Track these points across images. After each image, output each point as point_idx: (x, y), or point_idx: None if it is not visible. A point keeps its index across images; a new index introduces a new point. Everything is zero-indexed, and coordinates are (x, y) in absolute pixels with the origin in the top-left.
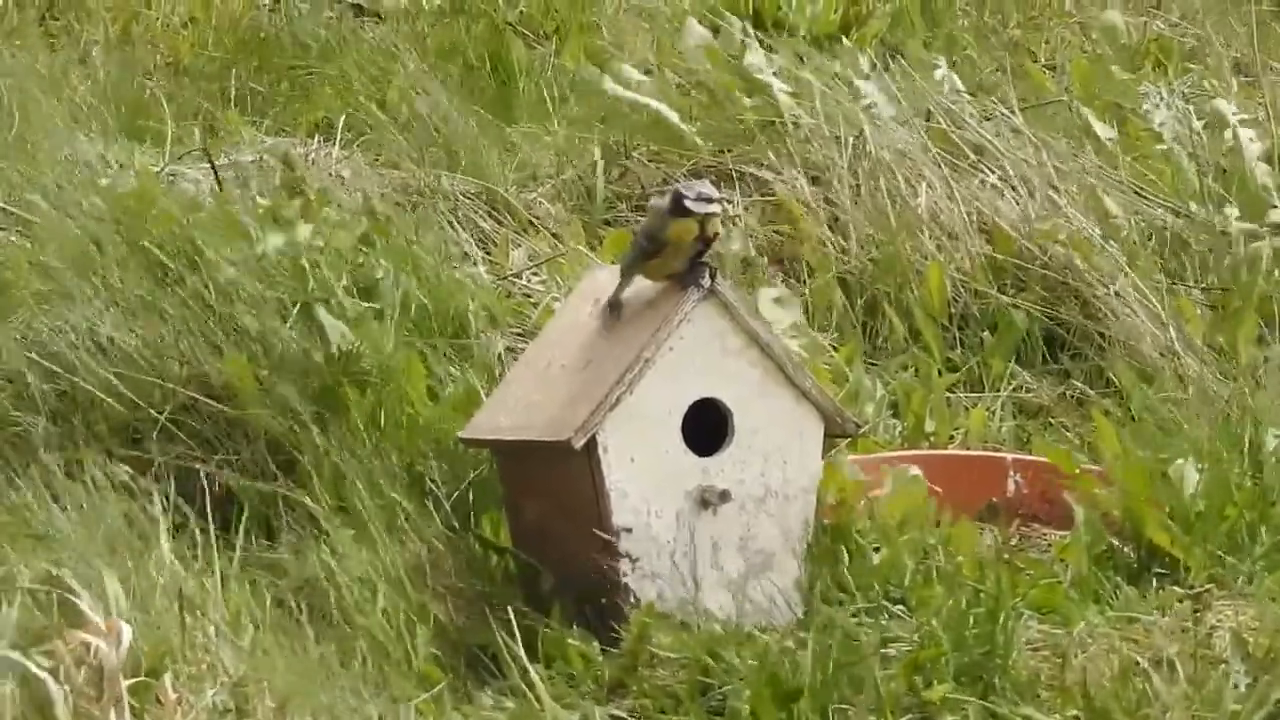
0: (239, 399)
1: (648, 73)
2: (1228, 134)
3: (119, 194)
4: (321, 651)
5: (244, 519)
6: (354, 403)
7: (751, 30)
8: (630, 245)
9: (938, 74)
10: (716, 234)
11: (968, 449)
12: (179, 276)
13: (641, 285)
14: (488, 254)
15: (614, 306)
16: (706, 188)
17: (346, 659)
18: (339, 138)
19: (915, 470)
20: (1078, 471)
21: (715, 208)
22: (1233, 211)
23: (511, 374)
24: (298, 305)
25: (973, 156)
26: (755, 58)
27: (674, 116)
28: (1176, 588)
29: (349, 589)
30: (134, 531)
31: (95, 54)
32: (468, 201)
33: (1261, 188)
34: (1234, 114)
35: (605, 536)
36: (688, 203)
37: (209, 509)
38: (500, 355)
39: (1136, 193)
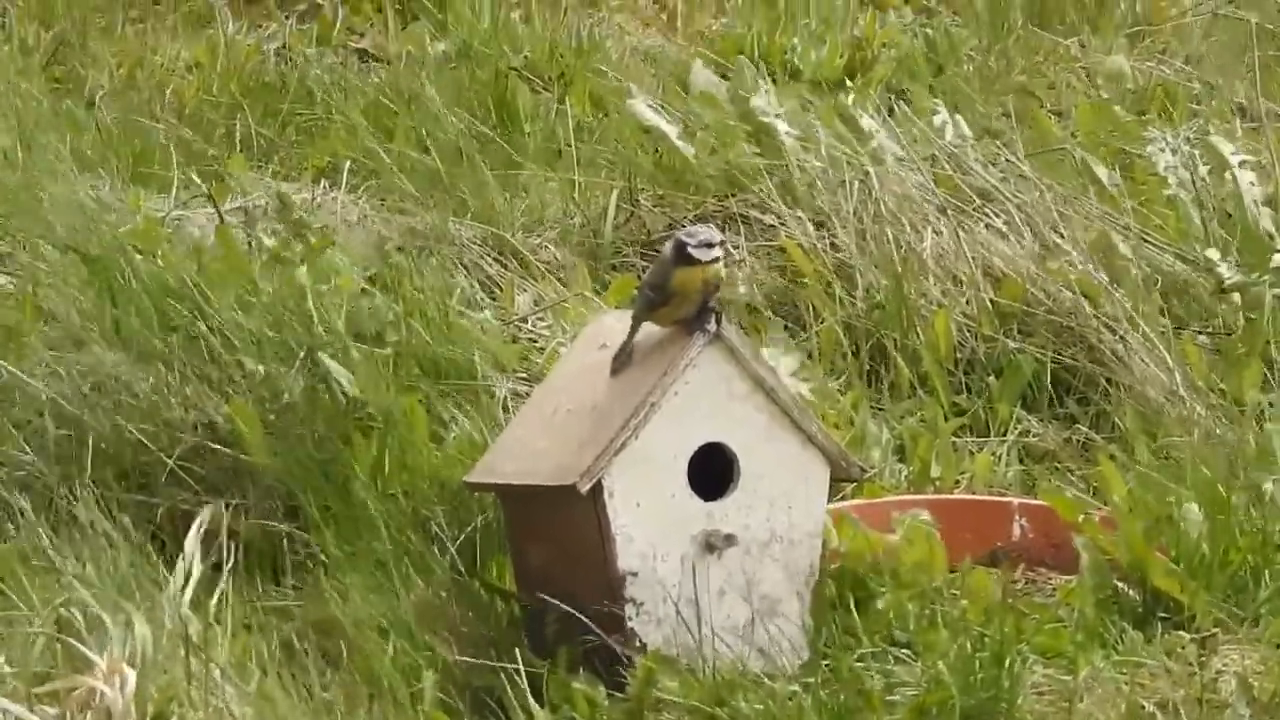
0: (246, 444)
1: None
2: (1228, 175)
3: (124, 238)
4: (327, 695)
5: (251, 563)
6: (360, 448)
7: (758, 74)
8: (637, 295)
9: (937, 120)
10: (720, 279)
11: (973, 493)
12: (186, 321)
13: (648, 329)
14: (494, 299)
15: (624, 355)
16: (708, 233)
17: (352, 703)
18: (345, 183)
19: (925, 515)
20: (1081, 519)
21: (718, 252)
22: (1233, 257)
23: (517, 418)
24: (304, 350)
25: (978, 201)
26: (761, 101)
27: (689, 150)
28: (1182, 632)
29: (355, 633)
30: (141, 575)
31: (100, 99)
32: (474, 246)
33: (1264, 232)
34: (1233, 154)
35: (611, 580)
36: (691, 250)
37: (215, 553)
38: (506, 400)
39: (1142, 238)
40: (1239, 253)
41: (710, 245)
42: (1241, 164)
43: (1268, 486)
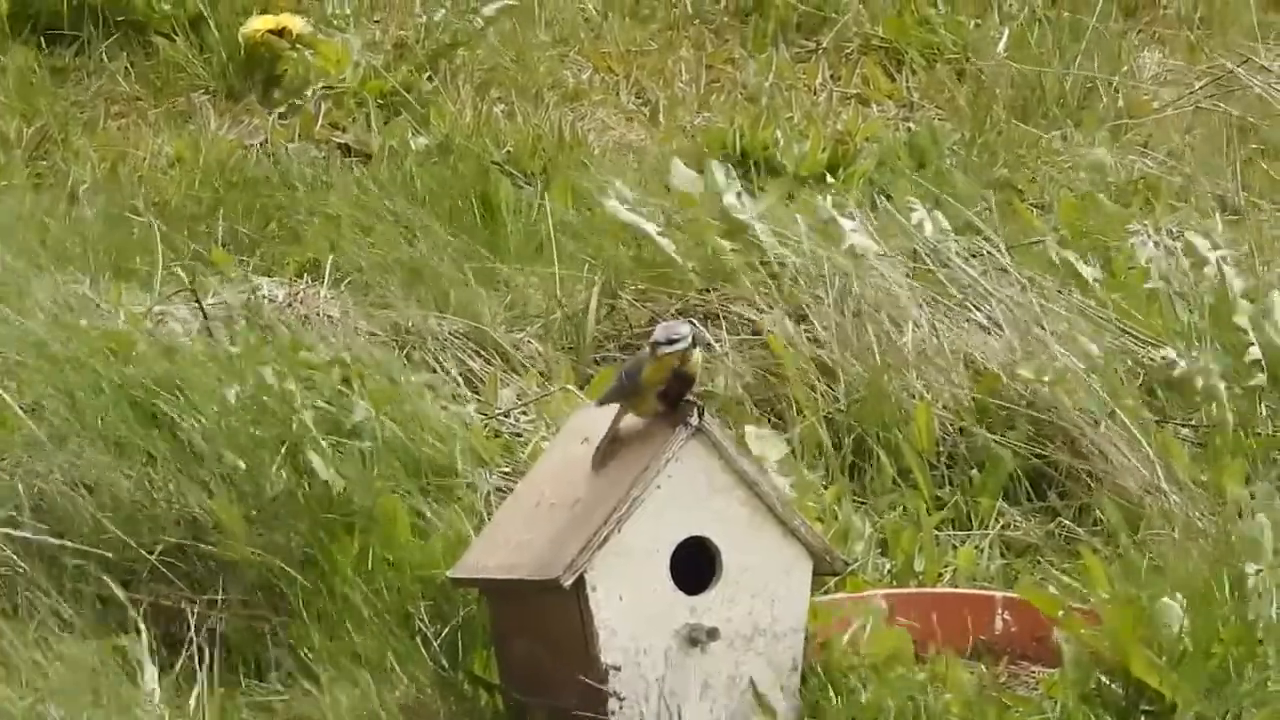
0: (228, 540)
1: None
2: (1209, 270)
3: (105, 335)
4: None
5: (233, 659)
6: (343, 543)
7: (735, 171)
8: (614, 379)
9: (915, 216)
10: (694, 374)
11: (956, 587)
12: (167, 418)
13: (631, 422)
14: (476, 393)
15: (608, 442)
16: (676, 328)
17: None
18: (327, 277)
19: (881, 602)
20: (1061, 614)
21: (680, 346)
22: (1214, 352)
23: (500, 513)
24: (285, 446)
25: (959, 295)
26: (736, 199)
27: (669, 246)
28: None
29: None
30: (123, 672)
31: (83, 194)
32: (456, 341)
33: (1240, 326)
34: (1212, 249)
35: (594, 675)
36: (656, 343)
37: (198, 649)
38: (489, 494)
39: (1124, 331)
40: (1221, 346)
41: (672, 341)
42: (1222, 259)
43: (1251, 579)
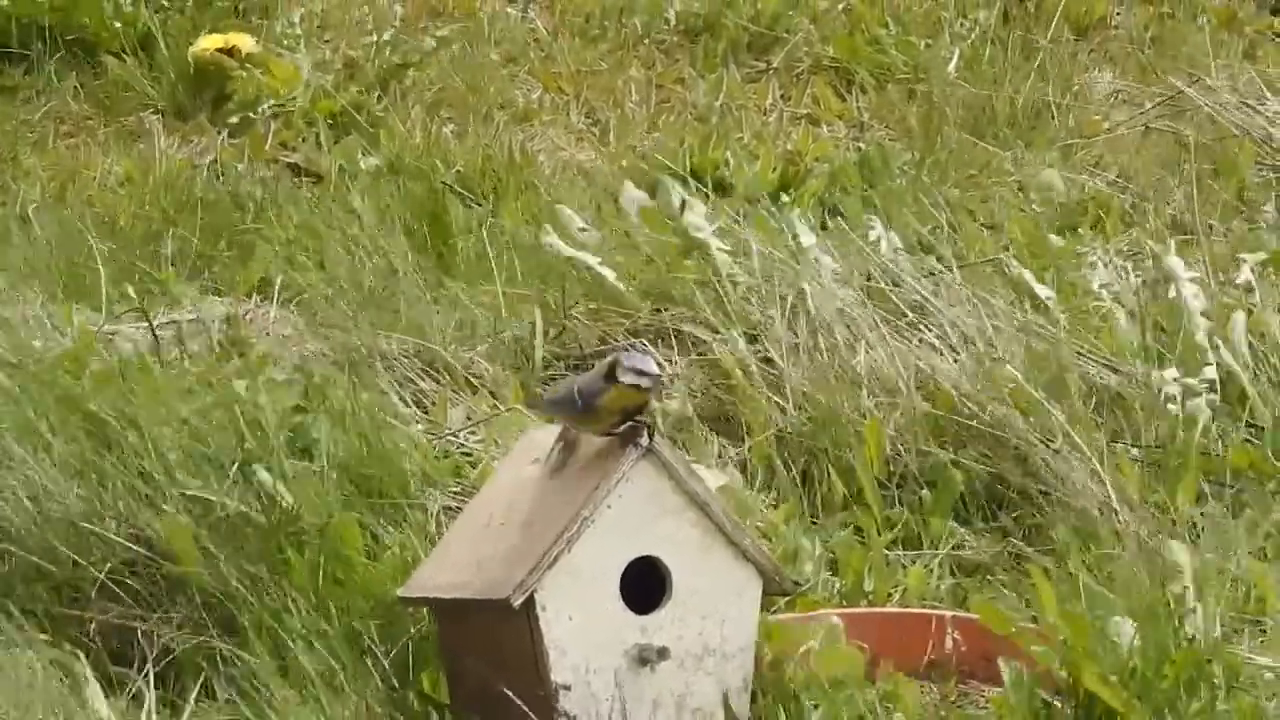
0: (178, 559)
1: (585, 231)
2: (1171, 292)
3: (55, 354)
4: None
5: (182, 677)
6: (294, 562)
7: (687, 190)
8: (563, 389)
9: (872, 234)
10: (648, 399)
11: (906, 607)
12: (118, 436)
13: (582, 440)
14: (426, 413)
15: (562, 452)
16: (646, 363)
17: None
18: (277, 297)
19: (836, 620)
20: (1012, 630)
21: (648, 382)
22: (1170, 371)
23: (450, 532)
24: (235, 464)
25: (911, 315)
26: (694, 217)
27: (610, 275)
28: None
29: None
30: (70, 691)
31: (32, 213)
32: (406, 361)
33: (1199, 346)
34: (1182, 271)
35: (544, 694)
36: (621, 374)
37: (148, 668)
38: (439, 514)
39: (1076, 351)
40: (1179, 366)
41: (642, 374)
42: (1190, 279)
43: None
